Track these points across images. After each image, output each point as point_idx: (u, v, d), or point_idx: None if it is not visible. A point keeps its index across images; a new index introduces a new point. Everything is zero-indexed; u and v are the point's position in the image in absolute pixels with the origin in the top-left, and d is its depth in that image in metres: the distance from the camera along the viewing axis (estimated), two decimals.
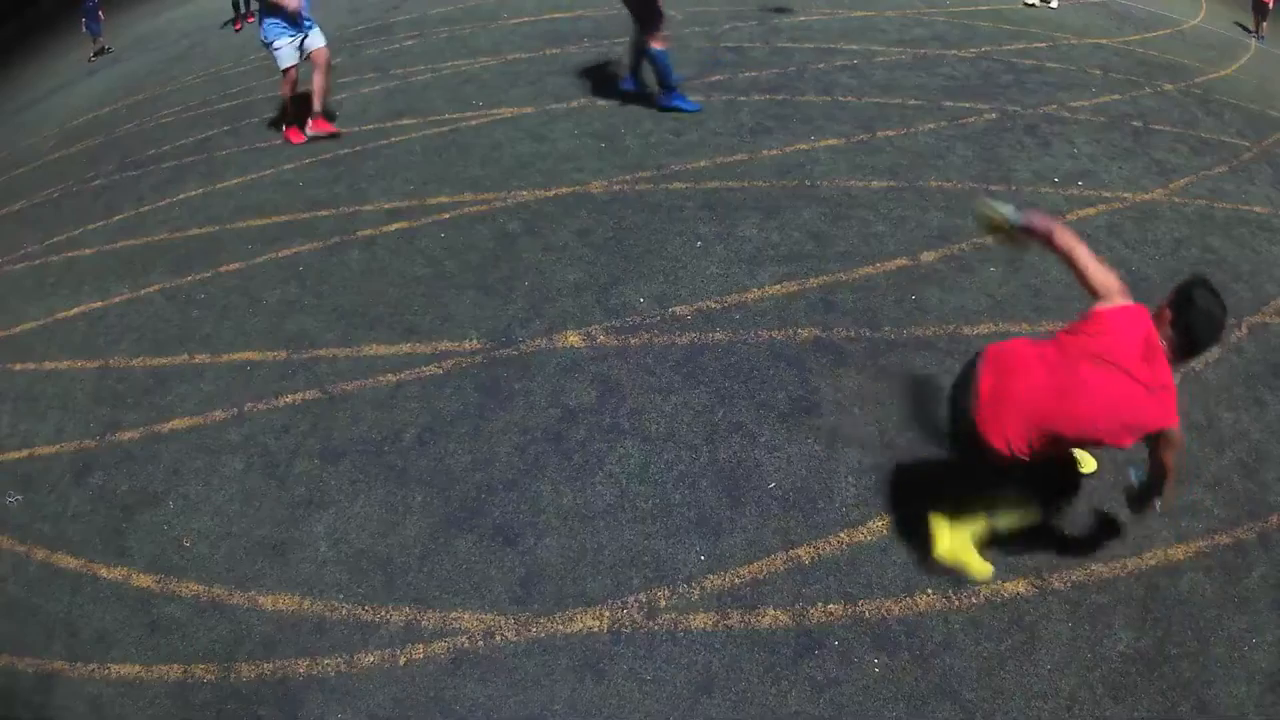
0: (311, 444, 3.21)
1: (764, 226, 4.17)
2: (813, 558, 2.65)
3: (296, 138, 5.59)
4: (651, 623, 2.50)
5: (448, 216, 4.50)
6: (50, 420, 3.61)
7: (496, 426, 3.17)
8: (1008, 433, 2.16)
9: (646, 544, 2.72)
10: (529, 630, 2.51)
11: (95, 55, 10.95)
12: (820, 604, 2.52)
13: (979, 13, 7.53)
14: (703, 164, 4.79)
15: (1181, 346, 2.14)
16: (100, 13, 11.17)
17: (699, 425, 3.11)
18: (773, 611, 2.51)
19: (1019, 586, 2.56)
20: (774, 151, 4.90)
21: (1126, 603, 2.52)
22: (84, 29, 11.14)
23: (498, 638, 2.50)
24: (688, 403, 3.21)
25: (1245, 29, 9.93)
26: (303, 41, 5.32)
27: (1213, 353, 3.49)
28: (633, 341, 3.50)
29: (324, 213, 4.73)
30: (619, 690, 2.34)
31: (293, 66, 5.31)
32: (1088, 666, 2.35)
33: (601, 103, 5.59)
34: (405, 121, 5.70)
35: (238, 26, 9.02)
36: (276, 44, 5.21)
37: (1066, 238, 2.28)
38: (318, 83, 5.49)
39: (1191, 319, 2.10)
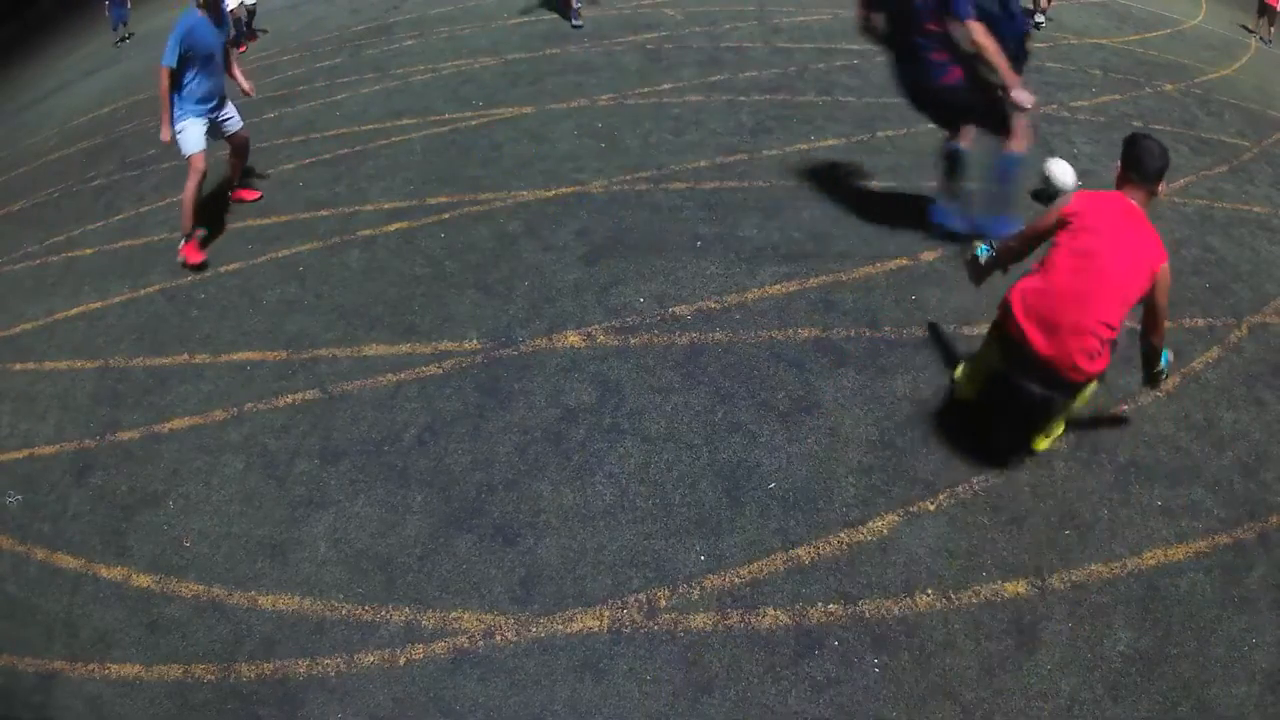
0: (311, 444, 3.21)
1: (764, 226, 4.17)
2: (813, 558, 2.65)
3: (194, 256, 4.37)
4: (651, 623, 2.50)
5: (448, 216, 4.50)
6: (50, 420, 3.61)
7: (496, 426, 3.17)
8: (1075, 350, 2.52)
9: (646, 544, 2.72)
10: (529, 630, 2.51)
11: (119, 41, 10.95)
12: (820, 604, 2.52)
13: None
14: (703, 164, 4.79)
15: (1139, 174, 2.61)
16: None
17: (699, 425, 3.11)
18: (773, 611, 2.51)
19: (1019, 586, 2.56)
20: (774, 151, 4.90)
21: (1126, 603, 2.52)
22: (107, 13, 11.13)
23: (498, 638, 2.50)
24: (688, 403, 3.21)
25: (1250, 31, 9.88)
26: (218, 123, 4.47)
27: (1213, 352, 3.50)
28: (633, 341, 3.50)
29: (324, 213, 4.73)
30: (619, 690, 2.34)
31: (201, 153, 4.29)
32: (1088, 666, 2.35)
33: (602, 103, 5.59)
34: (405, 121, 5.70)
35: (241, 48, 8.18)
36: (178, 124, 4.26)
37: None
38: (235, 165, 4.85)
39: (1138, 150, 2.60)
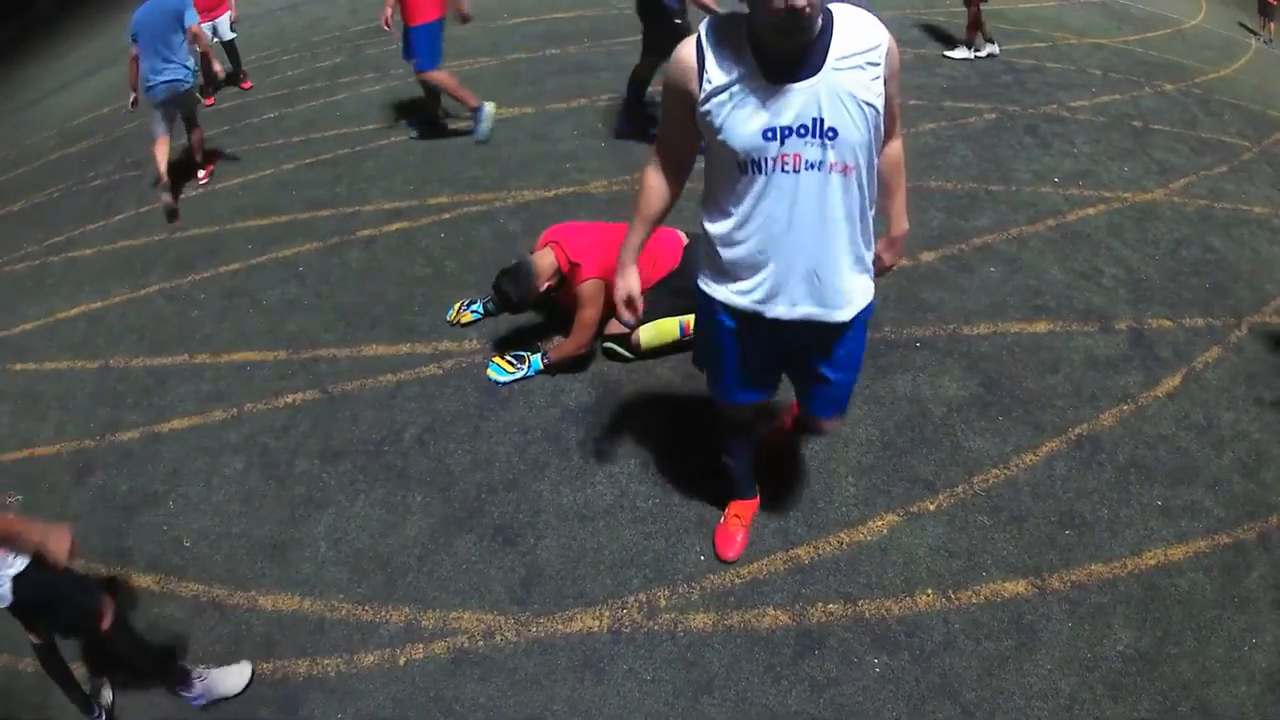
0: (311, 444, 3.21)
1: None
2: (813, 558, 2.65)
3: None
4: (651, 623, 2.50)
5: (448, 216, 4.51)
6: (50, 420, 3.61)
7: (496, 426, 3.17)
8: None
9: (646, 544, 2.72)
10: (529, 630, 2.51)
11: None
12: (820, 604, 2.52)
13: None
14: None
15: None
16: None
17: (699, 425, 3.11)
18: (773, 611, 2.51)
19: (1019, 586, 2.56)
20: None
21: (1126, 603, 2.52)
22: None
23: (498, 638, 2.50)
24: (688, 403, 3.20)
25: (1250, 30, 9.83)
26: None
27: (1213, 352, 3.50)
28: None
29: (324, 213, 4.73)
30: (619, 690, 2.34)
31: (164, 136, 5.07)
32: (1088, 666, 2.35)
33: (601, 103, 5.59)
34: (405, 121, 5.70)
35: (246, 84, 7.19)
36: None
37: None
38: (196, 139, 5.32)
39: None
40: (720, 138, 1.65)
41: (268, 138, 5.92)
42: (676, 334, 3.32)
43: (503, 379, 3.33)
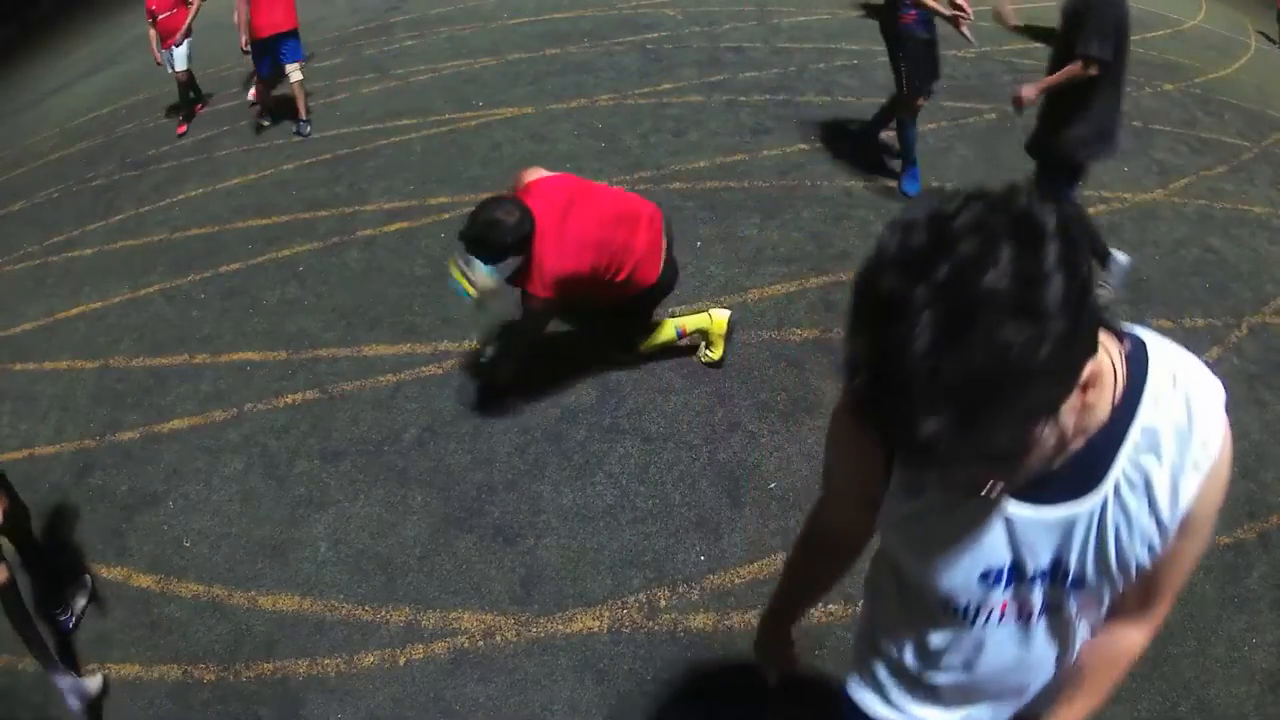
0: (311, 444, 3.21)
1: (764, 226, 4.17)
2: None
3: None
4: (651, 623, 2.50)
5: (448, 216, 4.50)
6: (50, 420, 3.61)
7: (496, 427, 3.18)
8: None
9: (646, 544, 2.72)
10: (529, 630, 2.51)
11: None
12: (820, 604, 2.52)
13: (978, 13, 7.50)
14: (703, 164, 4.79)
15: None
16: None
17: (699, 425, 3.11)
18: None
19: None
20: (774, 151, 4.90)
21: None
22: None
23: (498, 638, 2.50)
24: (688, 403, 3.21)
25: (1269, 39, 9.64)
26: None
27: (1213, 352, 3.50)
28: None
29: (324, 213, 4.73)
30: (619, 690, 2.34)
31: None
32: None
33: (602, 103, 5.59)
34: (405, 121, 5.70)
35: (200, 108, 6.75)
36: None
37: None
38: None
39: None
40: (911, 564, 1.04)
41: (268, 138, 5.92)
42: (673, 336, 3.31)
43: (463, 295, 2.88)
